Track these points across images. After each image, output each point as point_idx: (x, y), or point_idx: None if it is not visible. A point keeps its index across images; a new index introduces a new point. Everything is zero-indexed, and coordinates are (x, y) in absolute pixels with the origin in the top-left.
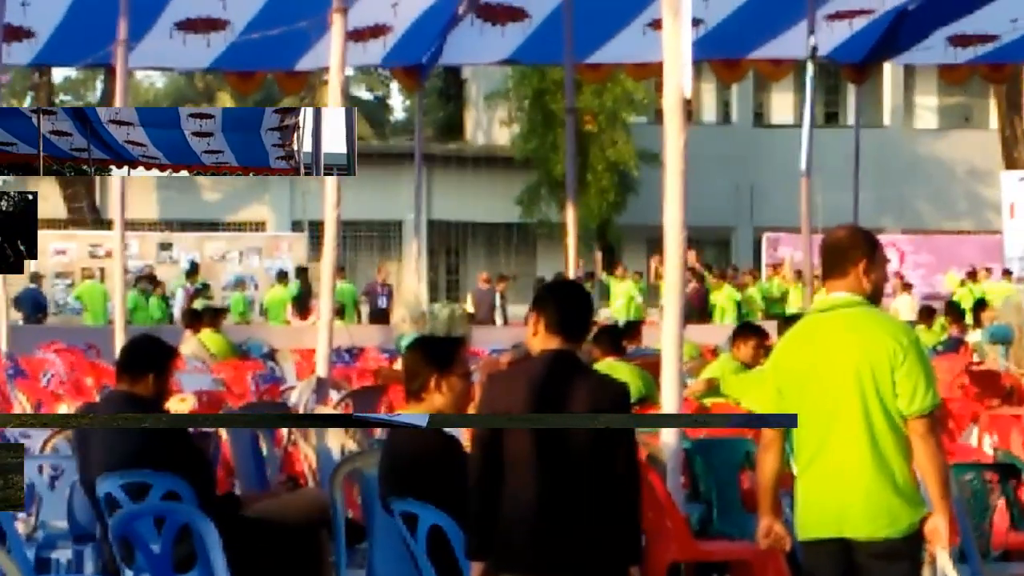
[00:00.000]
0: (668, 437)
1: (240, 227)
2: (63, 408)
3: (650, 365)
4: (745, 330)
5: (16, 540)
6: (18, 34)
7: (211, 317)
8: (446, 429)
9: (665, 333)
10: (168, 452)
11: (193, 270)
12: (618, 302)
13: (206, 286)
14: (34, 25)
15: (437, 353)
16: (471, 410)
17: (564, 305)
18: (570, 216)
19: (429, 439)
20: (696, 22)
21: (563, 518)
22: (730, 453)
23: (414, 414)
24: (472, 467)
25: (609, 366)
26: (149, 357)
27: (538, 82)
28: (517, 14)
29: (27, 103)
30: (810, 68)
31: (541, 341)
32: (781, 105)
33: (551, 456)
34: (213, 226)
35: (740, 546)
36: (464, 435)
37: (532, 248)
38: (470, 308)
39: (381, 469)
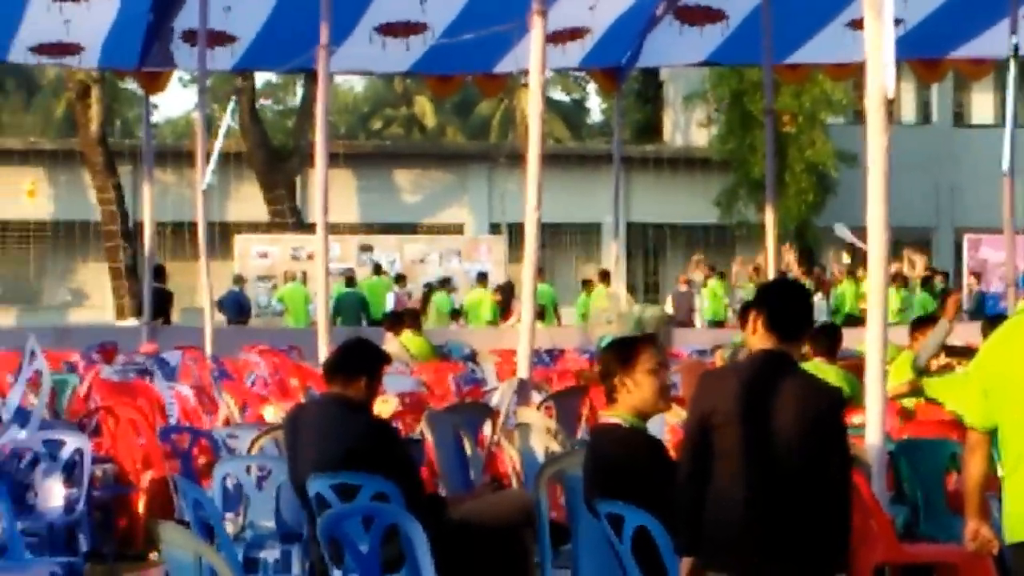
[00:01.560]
0: (872, 439)
1: (439, 229)
2: (269, 410)
3: (852, 367)
4: (922, 323)
5: (225, 539)
6: (221, 39)
7: (412, 319)
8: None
9: (869, 334)
10: (377, 454)
11: (400, 276)
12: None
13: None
14: (236, 30)
15: (620, 352)
16: (676, 409)
17: (782, 304)
18: (769, 217)
19: (634, 440)
20: (896, 21)
21: (772, 519)
22: (935, 455)
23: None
24: (682, 464)
25: (816, 367)
26: (363, 360)
27: (736, 83)
28: (715, 15)
29: (229, 107)
30: (1012, 67)
31: (759, 340)
32: (981, 105)
33: (762, 456)
34: (413, 228)
35: (946, 549)
36: (666, 436)
37: (731, 249)
38: (669, 309)
39: (586, 470)
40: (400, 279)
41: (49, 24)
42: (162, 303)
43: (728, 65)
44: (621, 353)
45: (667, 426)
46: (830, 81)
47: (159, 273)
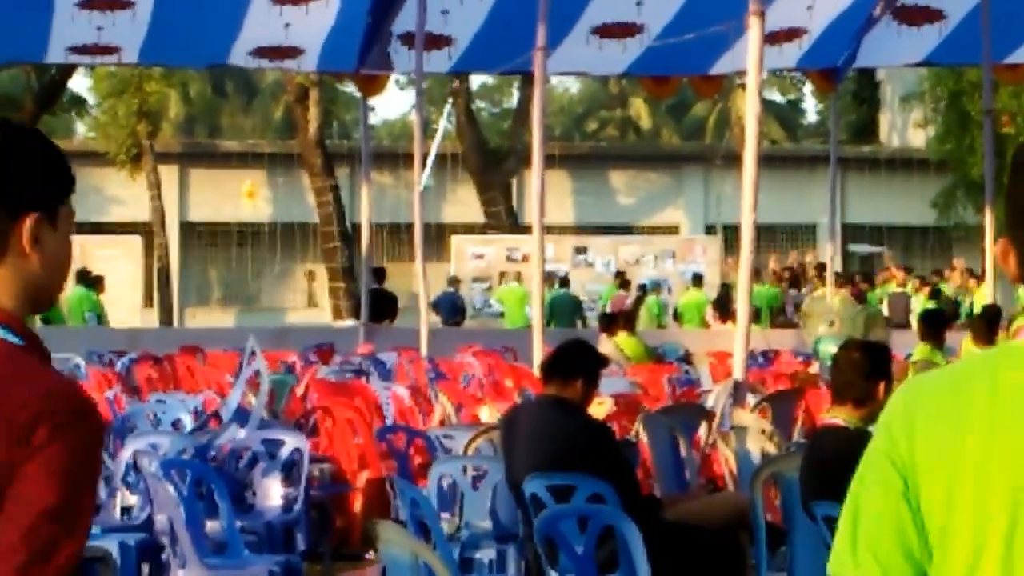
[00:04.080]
0: None
1: (654, 231)
2: (484, 410)
3: None
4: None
5: (441, 539)
6: (438, 42)
7: (627, 320)
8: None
9: None
10: (593, 455)
11: (620, 276)
12: None
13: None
14: (453, 33)
15: (878, 359)
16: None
17: None
18: (988, 219)
19: (853, 440)
20: None
21: None
22: None
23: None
24: None
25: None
26: (580, 362)
27: (954, 83)
28: (934, 15)
29: (445, 110)
30: None
31: None
32: None
33: None
34: (627, 230)
35: None
36: None
37: (948, 251)
38: (885, 311)
39: (803, 472)
40: (625, 284)
41: (269, 28)
42: (386, 305)
43: (946, 65)
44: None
45: None
46: None
47: (380, 275)
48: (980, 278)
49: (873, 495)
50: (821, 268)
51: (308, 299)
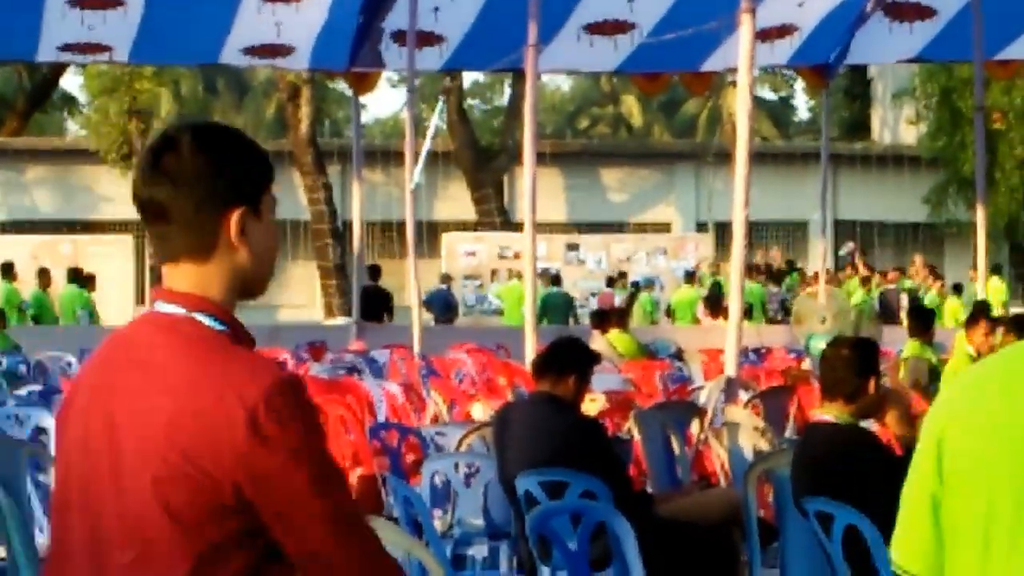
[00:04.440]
0: None
1: (646, 228)
2: (477, 407)
3: None
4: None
5: (434, 536)
6: (429, 40)
7: (619, 317)
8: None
9: None
10: (586, 452)
11: (623, 277)
12: None
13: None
14: (445, 30)
15: (868, 355)
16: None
17: None
18: (980, 215)
19: (844, 436)
20: None
21: None
22: None
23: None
24: None
25: None
26: (573, 359)
27: (946, 80)
28: (925, 11)
29: (437, 107)
30: None
31: None
32: None
33: None
34: (619, 227)
35: None
36: (878, 429)
37: (940, 247)
38: (877, 308)
39: (794, 468)
40: (612, 281)
41: (260, 26)
42: (381, 303)
43: (937, 62)
44: (867, 356)
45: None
46: None
47: (375, 273)
48: (941, 276)
49: (909, 481)
50: (790, 264)
51: (299, 297)
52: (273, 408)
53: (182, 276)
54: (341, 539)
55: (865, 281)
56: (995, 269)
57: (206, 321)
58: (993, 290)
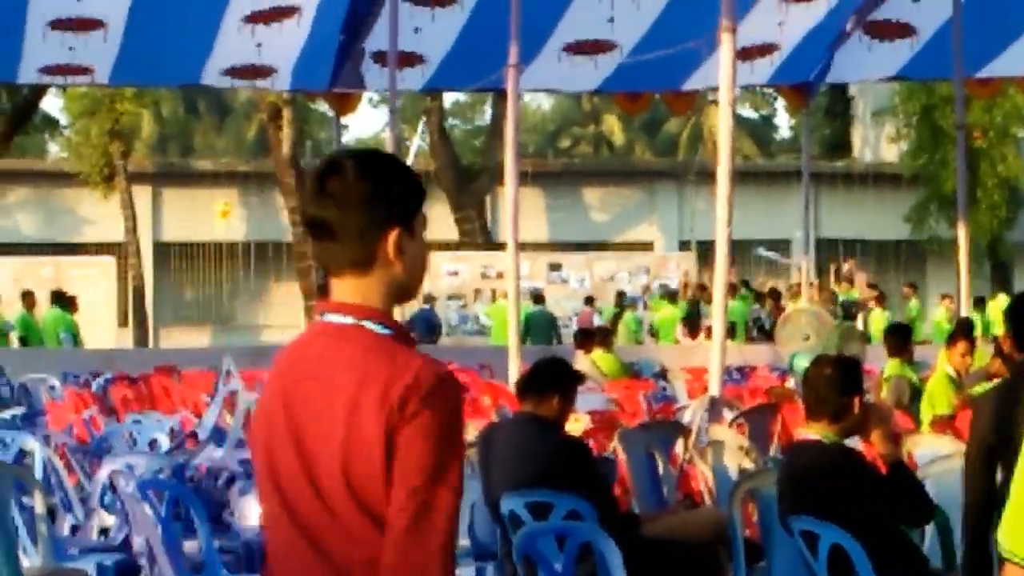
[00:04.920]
0: None
1: (628, 247)
2: None
3: None
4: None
5: None
6: (410, 60)
7: (603, 337)
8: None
9: None
10: (570, 472)
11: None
12: None
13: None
14: (426, 51)
15: (851, 374)
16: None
17: None
18: (961, 233)
19: (829, 454)
20: None
21: None
22: None
23: None
24: (970, 481)
25: None
26: (556, 379)
27: (926, 98)
28: (905, 30)
29: (419, 127)
30: None
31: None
32: None
33: None
34: (602, 247)
35: None
36: (863, 447)
37: (922, 265)
38: (860, 326)
39: (780, 487)
40: (589, 300)
41: (241, 47)
42: None
43: (918, 80)
44: (851, 375)
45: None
46: (1022, 95)
47: None
48: (882, 295)
49: (1020, 468)
50: (745, 284)
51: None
52: (420, 391)
53: (347, 287)
54: (412, 523)
55: (880, 300)
56: (977, 302)
57: (373, 327)
58: (997, 308)
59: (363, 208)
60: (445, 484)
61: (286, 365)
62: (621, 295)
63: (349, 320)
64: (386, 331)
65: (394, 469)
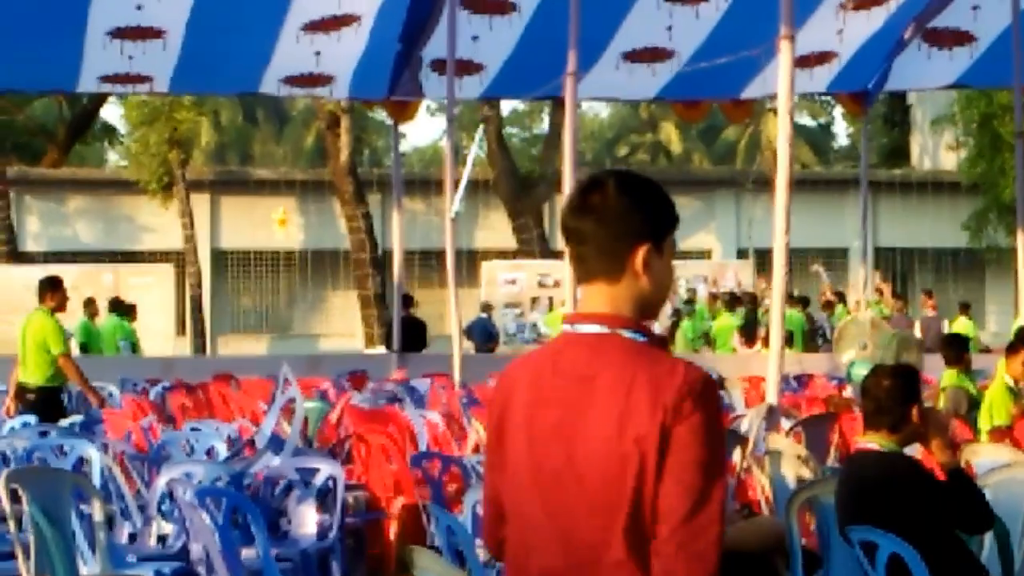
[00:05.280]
0: None
1: (686, 255)
2: None
3: None
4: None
5: (477, 566)
6: (468, 68)
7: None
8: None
9: None
10: None
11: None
12: None
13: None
14: (484, 59)
15: (909, 383)
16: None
17: None
18: (1020, 241)
19: (889, 463)
20: None
21: None
22: None
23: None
24: None
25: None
26: None
27: (985, 106)
28: (964, 37)
29: (477, 136)
30: None
31: None
32: None
33: None
34: None
35: None
36: (921, 454)
37: (980, 274)
38: (918, 334)
39: (838, 496)
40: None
41: (300, 55)
42: (414, 332)
43: (977, 88)
44: (911, 384)
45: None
46: None
47: (407, 302)
48: (905, 303)
49: None
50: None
51: (340, 326)
52: (690, 395)
53: (597, 294)
54: (690, 514)
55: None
56: None
57: (628, 335)
58: None
59: (618, 220)
60: (718, 477)
61: (535, 374)
62: (676, 312)
63: (604, 329)
64: (641, 338)
65: (668, 466)
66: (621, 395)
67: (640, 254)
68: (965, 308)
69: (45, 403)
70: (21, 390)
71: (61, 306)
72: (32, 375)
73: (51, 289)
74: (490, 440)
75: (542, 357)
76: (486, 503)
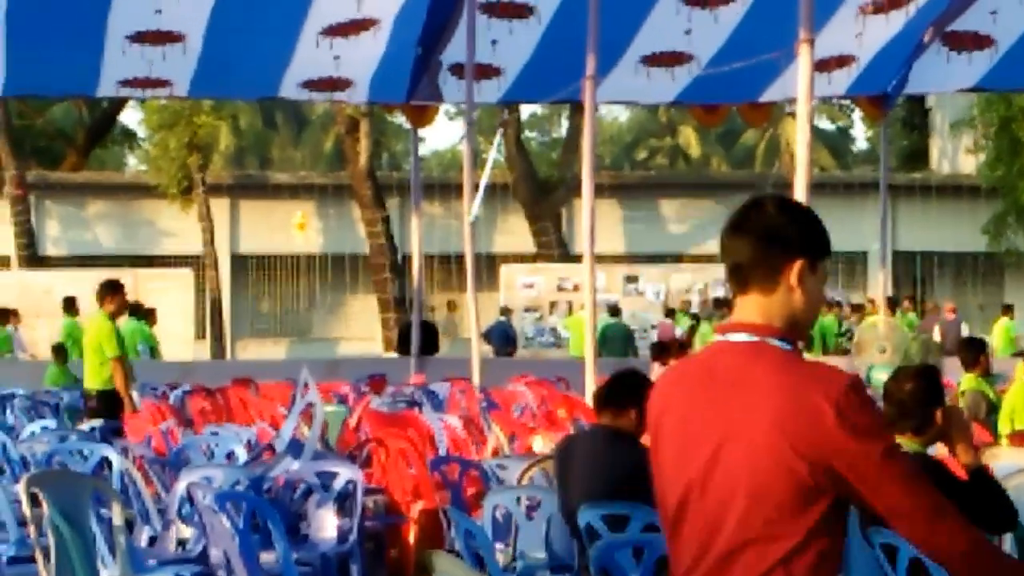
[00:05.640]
0: None
1: (705, 259)
2: (537, 440)
3: None
4: None
5: (496, 570)
6: (487, 72)
7: (679, 349)
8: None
9: None
10: (647, 484)
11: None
12: None
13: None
14: (503, 63)
15: (932, 385)
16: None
17: None
18: None
19: (919, 465)
20: None
21: None
22: None
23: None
24: None
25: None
26: (635, 391)
27: (1005, 109)
28: (983, 41)
29: (495, 140)
30: None
31: None
32: None
33: None
34: (678, 259)
35: None
36: (942, 451)
37: (999, 278)
38: (937, 338)
39: None
40: (670, 313)
41: (319, 60)
42: (426, 335)
43: (996, 91)
44: (940, 385)
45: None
46: None
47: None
48: (894, 304)
49: None
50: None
51: (359, 330)
52: (850, 400)
53: (751, 305)
54: (911, 494)
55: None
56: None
57: (777, 344)
58: None
59: (775, 233)
60: (900, 456)
61: (689, 381)
62: (695, 316)
63: (754, 338)
64: (788, 347)
65: (861, 467)
66: (777, 401)
67: (795, 268)
68: (1008, 309)
69: (108, 407)
70: (86, 396)
71: (121, 310)
72: (91, 380)
73: (110, 292)
74: (651, 451)
75: (695, 365)
76: (659, 512)
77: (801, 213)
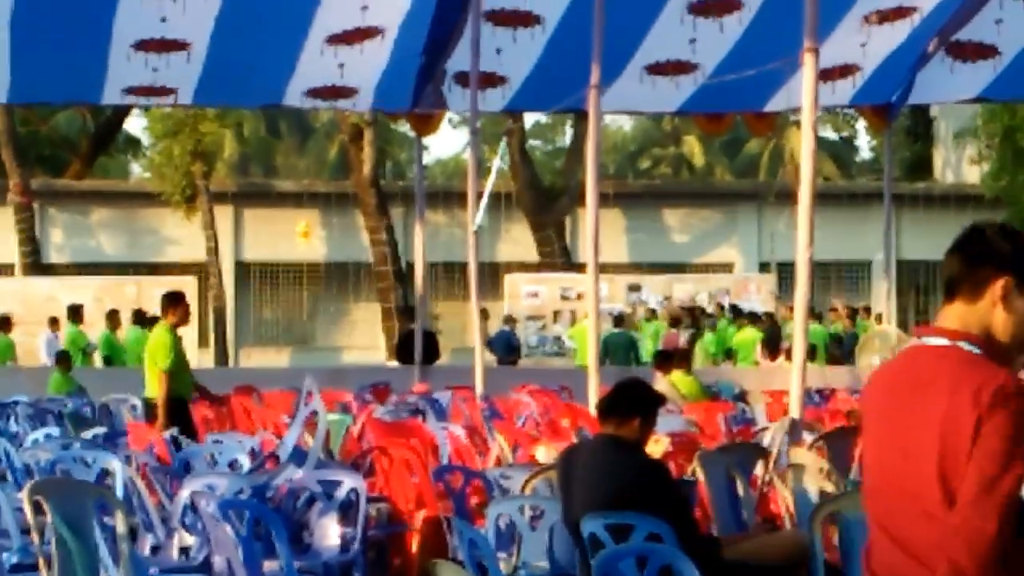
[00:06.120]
0: None
1: (708, 269)
2: (540, 450)
3: None
4: None
5: None
6: (492, 81)
7: (682, 359)
8: None
9: None
10: (651, 494)
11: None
12: None
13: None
14: (507, 71)
15: None
16: None
17: None
18: None
19: None
20: None
21: None
22: None
23: None
24: None
25: None
26: (637, 401)
27: (1008, 119)
28: (988, 51)
29: (500, 148)
30: None
31: None
32: None
33: None
34: (681, 268)
35: None
36: None
37: None
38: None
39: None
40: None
41: (323, 68)
42: (426, 343)
43: (1000, 101)
44: None
45: None
46: None
47: (412, 314)
48: (854, 315)
49: None
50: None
51: (362, 338)
52: (995, 395)
53: (951, 312)
54: (975, 502)
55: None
56: None
57: (966, 347)
58: None
59: (987, 247)
60: (1011, 472)
61: (890, 382)
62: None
63: (945, 342)
64: (977, 350)
65: (972, 455)
66: (947, 398)
67: (1000, 283)
68: None
69: (169, 417)
70: (147, 406)
71: (183, 321)
72: (151, 390)
73: (172, 304)
74: (860, 439)
75: (896, 366)
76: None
77: (1015, 233)
